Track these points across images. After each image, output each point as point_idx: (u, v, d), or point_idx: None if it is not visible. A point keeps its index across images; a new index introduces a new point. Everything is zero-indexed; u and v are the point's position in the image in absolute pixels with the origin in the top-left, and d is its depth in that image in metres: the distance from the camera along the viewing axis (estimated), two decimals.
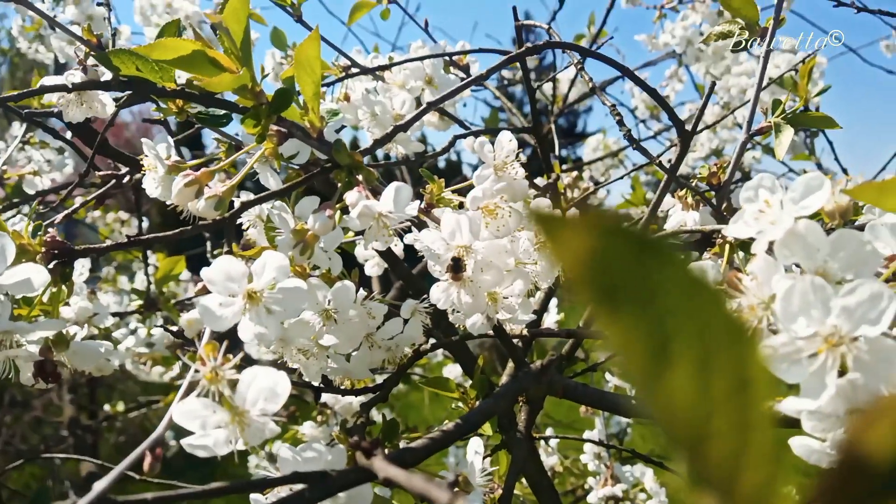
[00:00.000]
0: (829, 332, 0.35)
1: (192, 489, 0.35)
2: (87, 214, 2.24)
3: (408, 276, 0.98)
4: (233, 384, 0.39)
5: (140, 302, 1.15)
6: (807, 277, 0.36)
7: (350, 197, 0.49)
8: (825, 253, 0.38)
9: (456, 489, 0.54)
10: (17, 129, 1.91)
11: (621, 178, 1.07)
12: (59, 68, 1.97)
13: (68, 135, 1.05)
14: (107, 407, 2.19)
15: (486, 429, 0.81)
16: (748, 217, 0.41)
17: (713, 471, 0.11)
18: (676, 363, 0.11)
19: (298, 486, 0.40)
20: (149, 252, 2.19)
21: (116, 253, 2.21)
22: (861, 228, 0.43)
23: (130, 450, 0.37)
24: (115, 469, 0.34)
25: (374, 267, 1.11)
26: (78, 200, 1.01)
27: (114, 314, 1.18)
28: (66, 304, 0.93)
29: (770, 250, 0.39)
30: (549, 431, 1.79)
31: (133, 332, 1.13)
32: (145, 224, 2.19)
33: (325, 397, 1.48)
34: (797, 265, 0.39)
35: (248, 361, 0.41)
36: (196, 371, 0.39)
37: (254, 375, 0.38)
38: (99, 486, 0.33)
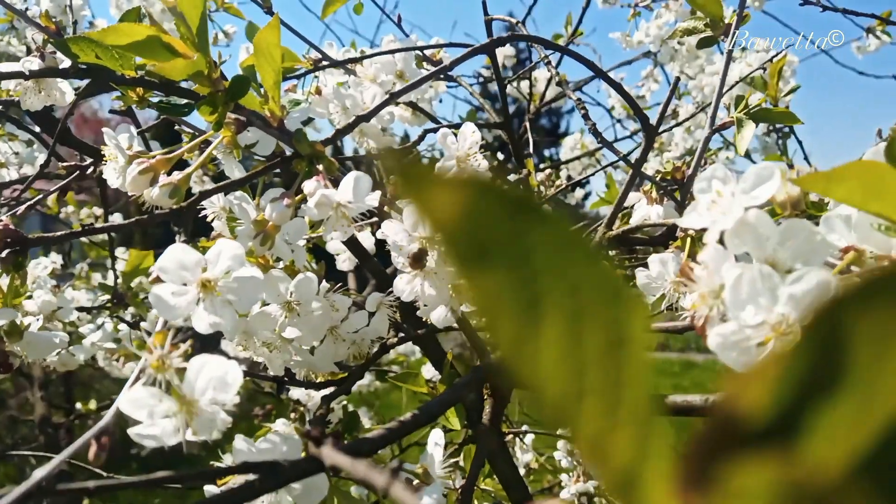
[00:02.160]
0: (777, 321, 0.35)
1: (135, 479, 0.34)
2: (61, 210, 2.20)
3: (378, 271, 0.97)
4: (182, 373, 0.38)
5: (108, 297, 1.13)
6: (755, 266, 0.36)
7: (308, 186, 0.49)
8: (775, 242, 0.38)
9: (416, 482, 0.54)
10: None
11: (593, 174, 1.07)
12: None
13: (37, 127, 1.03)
14: (78, 405, 2.16)
15: (455, 424, 0.81)
16: (701, 208, 0.41)
17: (587, 427, 0.11)
18: (547, 322, 0.11)
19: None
20: (122, 248, 2.16)
21: (90, 250, 2.19)
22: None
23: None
24: (56, 458, 0.34)
25: (345, 261, 1.10)
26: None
27: (81, 309, 1.16)
28: (30, 297, 0.92)
29: (722, 240, 0.40)
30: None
31: (99, 327, 1.11)
32: (120, 218, 2.16)
33: (298, 394, 1.47)
34: (748, 254, 0.39)
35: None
36: (145, 359, 0.38)
37: (202, 363, 0.38)
38: (38, 473, 0.32)
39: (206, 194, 0.53)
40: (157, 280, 0.44)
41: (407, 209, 0.55)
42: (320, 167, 0.52)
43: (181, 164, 0.58)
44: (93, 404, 2.14)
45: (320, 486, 0.45)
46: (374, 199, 0.51)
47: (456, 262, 0.11)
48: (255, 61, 0.51)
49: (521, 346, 0.11)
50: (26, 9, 1.20)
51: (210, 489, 0.46)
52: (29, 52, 2.09)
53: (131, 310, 1.32)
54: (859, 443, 0.10)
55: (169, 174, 0.54)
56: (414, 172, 0.10)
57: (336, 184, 0.51)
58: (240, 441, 0.45)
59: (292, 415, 1.51)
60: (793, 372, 0.10)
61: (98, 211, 2.27)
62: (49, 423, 2.11)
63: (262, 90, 0.54)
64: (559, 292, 0.10)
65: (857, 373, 0.10)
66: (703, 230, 0.45)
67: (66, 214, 2.23)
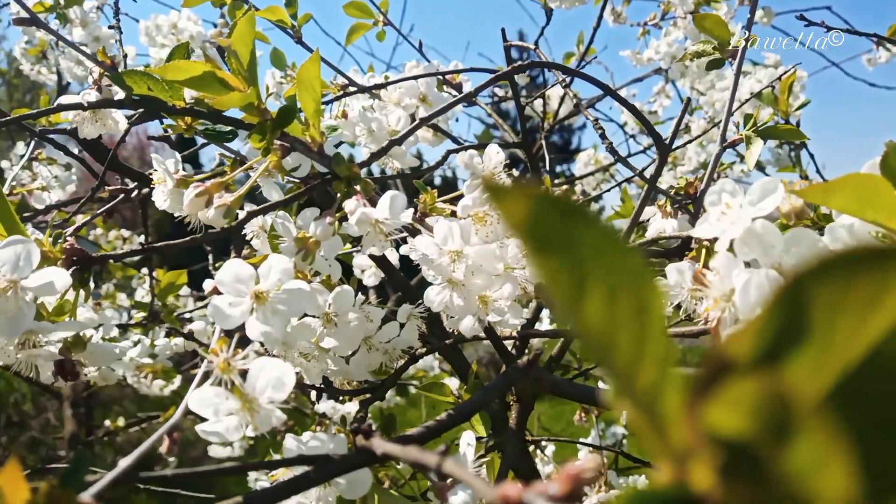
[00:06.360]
0: None
1: (210, 468, 0.38)
2: (90, 232, 2.28)
3: (404, 285, 1.01)
4: (243, 374, 0.43)
5: (144, 314, 1.18)
6: (762, 271, 0.39)
7: (349, 205, 0.53)
8: (780, 249, 0.42)
9: (449, 480, 0.57)
10: (22, 148, 1.95)
11: (608, 190, 1.11)
12: (62, 88, 2.02)
13: (76, 151, 1.09)
14: (107, 422, 2.21)
15: (480, 430, 0.85)
16: (712, 218, 0.45)
17: (620, 371, 0.15)
18: (590, 295, 0.15)
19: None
20: (145, 269, 2.23)
21: (116, 270, 2.25)
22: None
23: None
24: (138, 449, 0.38)
25: (371, 276, 1.15)
26: (80, 217, 1.04)
27: (117, 326, 1.21)
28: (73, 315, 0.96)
29: (731, 248, 0.43)
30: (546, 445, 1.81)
31: (136, 343, 1.16)
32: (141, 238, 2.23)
33: (324, 407, 1.52)
34: (755, 261, 0.43)
35: None
36: (209, 362, 0.42)
37: (262, 366, 0.42)
38: (124, 462, 0.36)
39: (253, 214, 0.57)
40: (215, 292, 0.48)
41: (437, 225, 0.59)
42: (358, 187, 0.56)
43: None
44: (121, 421, 2.18)
45: (364, 481, 0.49)
46: (408, 216, 0.55)
47: (527, 249, 0.15)
48: (297, 91, 0.56)
49: (574, 310, 0.15)
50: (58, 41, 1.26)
51: (262, 484, 0.50)
52: (60, 80, 2.15)
53: (160, 326, 1.37)
54: (824, 380, 0.14)
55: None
56: (497, 188, 0.14)
57: (372, 202, 0.56)
58: (290, 440, 0.49)
59: (318, 428, 1.55)
60: (768, 329, 0.14)
61: (125, 233, 2.34)
62: (78, 440, 2.17)
63: (302, 118, 0.58)
64: (598, 274, 0.14)
65: (816, 331, 0.14)
66: (715, 239, 0.49)
67: (95, 237, 2.30)
